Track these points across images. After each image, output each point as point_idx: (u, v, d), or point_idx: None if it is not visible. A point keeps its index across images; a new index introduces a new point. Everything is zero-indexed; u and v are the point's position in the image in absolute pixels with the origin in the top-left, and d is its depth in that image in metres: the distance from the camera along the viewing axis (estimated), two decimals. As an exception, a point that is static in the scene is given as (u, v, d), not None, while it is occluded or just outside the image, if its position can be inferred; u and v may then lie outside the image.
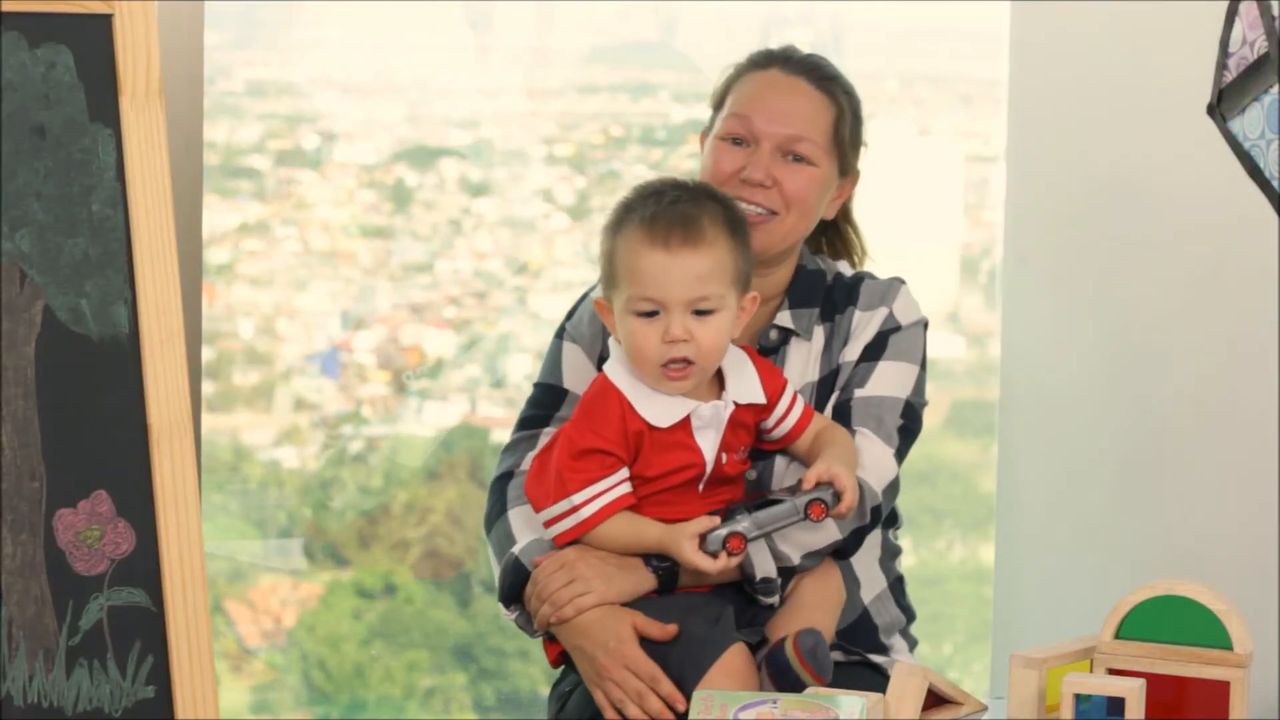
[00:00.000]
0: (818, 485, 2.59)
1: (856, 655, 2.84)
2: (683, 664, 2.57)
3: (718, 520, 2.58)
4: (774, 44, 2.89)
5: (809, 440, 2.72)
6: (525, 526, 2.75)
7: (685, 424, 2.61)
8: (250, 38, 4.27)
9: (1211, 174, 3.30)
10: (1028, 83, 3.66)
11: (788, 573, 2.68)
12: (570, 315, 2.89)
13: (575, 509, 2.60)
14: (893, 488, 2.77)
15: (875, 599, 2.88)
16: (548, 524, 2.65)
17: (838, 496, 2.58)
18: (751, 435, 2.70)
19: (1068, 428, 3.59)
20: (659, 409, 2.60)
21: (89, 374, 2.38)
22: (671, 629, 2.59)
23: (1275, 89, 3.21)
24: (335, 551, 4.31)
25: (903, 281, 2.85)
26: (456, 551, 4.35)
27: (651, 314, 2.57)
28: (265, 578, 4.27)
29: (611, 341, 2.67)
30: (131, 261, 2.41)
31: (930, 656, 4.37)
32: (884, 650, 2.88)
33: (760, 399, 2.66)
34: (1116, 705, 2.40)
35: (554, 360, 2.86)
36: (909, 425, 2.79)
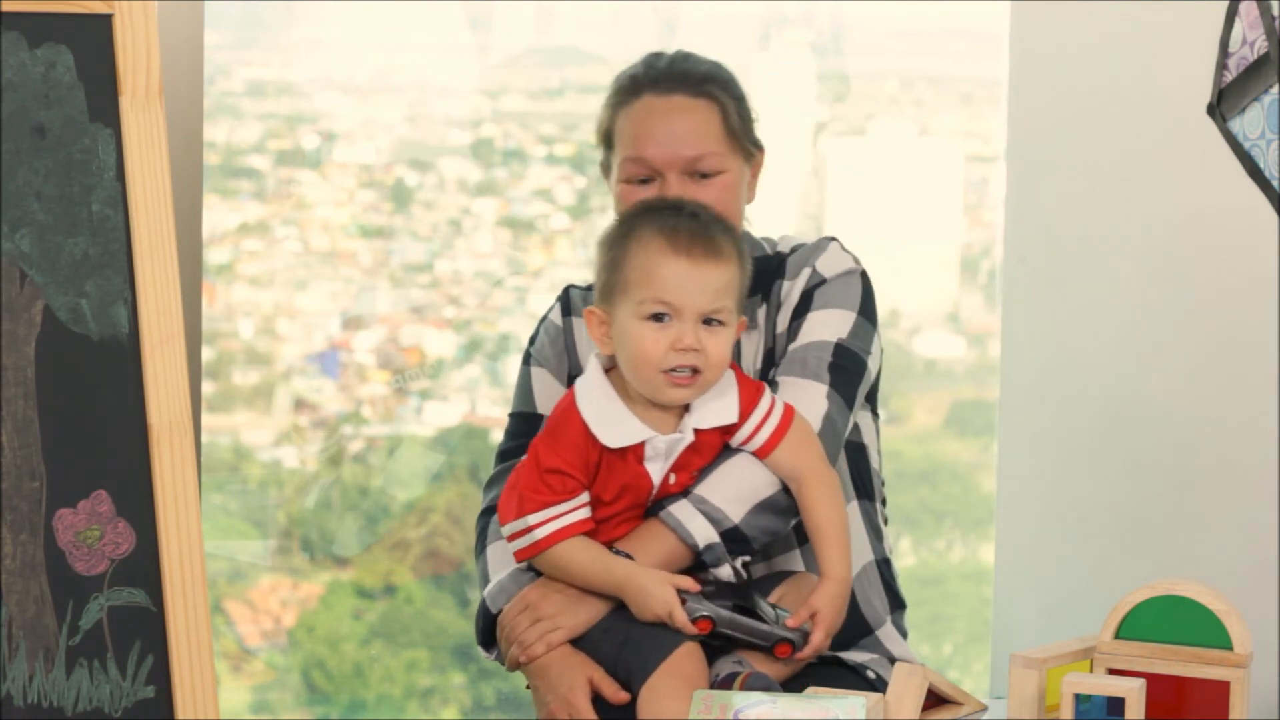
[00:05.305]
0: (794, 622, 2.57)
1: (829, 655, 2.77)
2: (630, 664, 2.56)
3: (698, 587, 2.56)
4: (661, 52, 2.82)
5: (790, 462, 2.64)
6: (499, 565, 2.77)
7: (639, 449, 2.61)
8: (250, 38, 4.27)
9: (1211, 174, 3.31)
10: (1028, 83, 3.66)
11: (734, 536, 2.63)
12: (533, 341, 2.90)
13: (530, 529, 2.60)
14: (828, 425, 2.70)
15: (859, 573, 2.83)
16: (508, 539, 2.66)
17: (806, 638, 2.57)
18: (716, 451, 2.67)
19: (1068, 428, 3.59)
20: (616, 431, 2.59)
21: (89, 374, 2.38)
22: (624, 695, 2.57)
23: (1275, 89, 3.21)
24: (335, 551, 4.31)
25: (832, 239, 2.83)
26: (456, 551, 4.35)
27: (660, 320, 2.57)
28: (265, 578, 4.27)
29: (593, 356, 2.66)
30: (131, 261, 2.41)
31: (930, 656, 4.37)
32: (869, 630, 2.84)
33: (731, 419, 2.64)
34: (1116, 705, 2.40)
35: (525, 388, 2.88)
36: (839, 363, 2.73)
